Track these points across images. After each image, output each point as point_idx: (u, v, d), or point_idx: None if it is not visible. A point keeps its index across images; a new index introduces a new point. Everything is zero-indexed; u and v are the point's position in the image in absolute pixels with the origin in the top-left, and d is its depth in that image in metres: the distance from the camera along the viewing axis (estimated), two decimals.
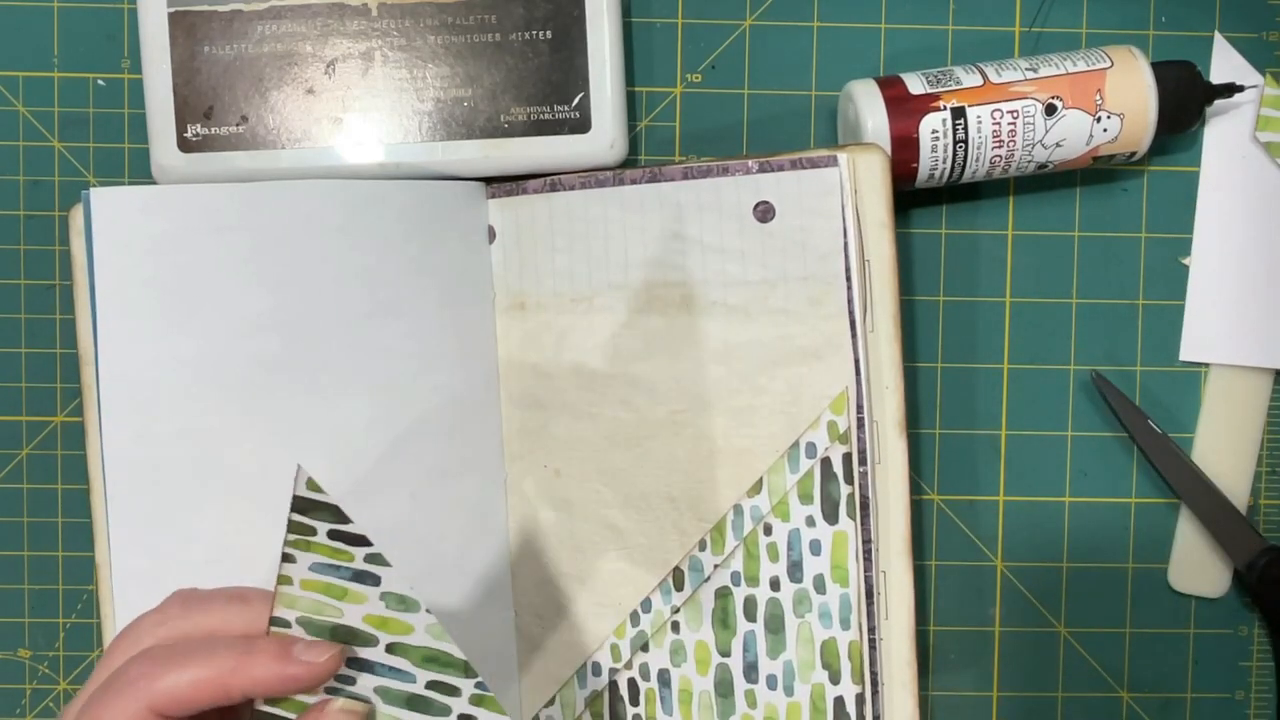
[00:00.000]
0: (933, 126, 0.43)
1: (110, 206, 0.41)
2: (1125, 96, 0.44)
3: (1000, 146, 0.44)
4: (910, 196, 0.47)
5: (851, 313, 0.42)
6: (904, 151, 0.43)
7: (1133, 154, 0.45)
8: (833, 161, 0.41)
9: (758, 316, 0.43)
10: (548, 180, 0.45)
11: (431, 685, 0.33)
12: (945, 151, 0.44)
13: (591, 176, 0.44)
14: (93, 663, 0.48)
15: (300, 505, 0.31)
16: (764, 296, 0.43)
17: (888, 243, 0.42)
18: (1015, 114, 0.43)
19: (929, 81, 0.44)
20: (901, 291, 0.44)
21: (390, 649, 0.32)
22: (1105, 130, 0.44)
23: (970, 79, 0.44)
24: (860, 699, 0.42)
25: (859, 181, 0.42)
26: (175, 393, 0.42)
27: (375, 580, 0.32)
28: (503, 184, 0.46)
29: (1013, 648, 0.49)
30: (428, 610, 0.32)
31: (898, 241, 0.47)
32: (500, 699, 0.46)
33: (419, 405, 0.44)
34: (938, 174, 0.44)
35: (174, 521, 0.42)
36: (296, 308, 0.42)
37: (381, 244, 0.43)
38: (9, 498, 0.47)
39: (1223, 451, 0.48)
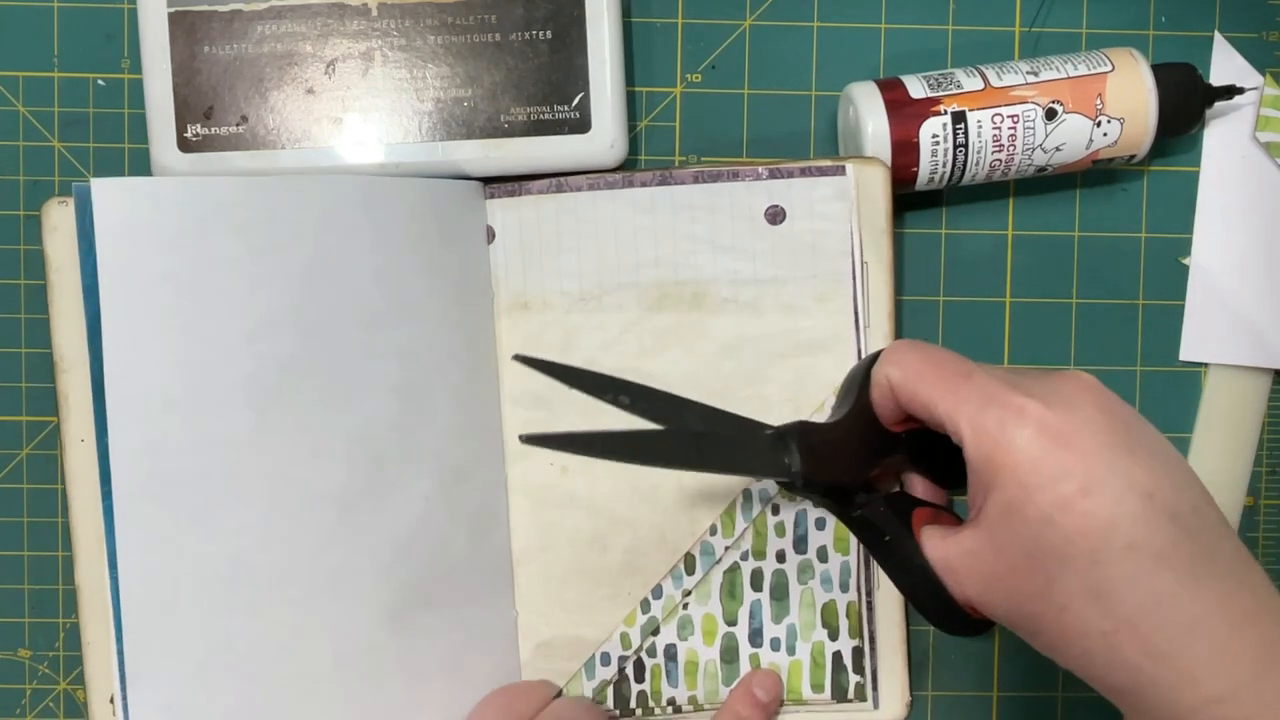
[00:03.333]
0: (933, 131, 0.43)
1: (115, 199, 0.39)
2: (1126, 100, 0.44)
3: (1000, 150, 0.44)
4: (910, 196, 0.47)
5: (856, 308, 0.44)
6: (904, 155, 0.44)
7: (1132, 156, 0.45)
8: (841, 170, 0.44)
9: (767, 312, 0.45)
10: (553, 181, 0.45)
11: None
12: (945, 155, 0.44)
13: (600, 178, 0.45)
14: None
15: None
16: (774, 293, 0.45)
17: (886, 248, 0.44)
18: (1016, 118, 0.43)
19: (929, 85, 0.44)
20: (897, 291, 0.45)
21: None
22: (1105, 135, 0.44)
23: (971, 82, 0.44)
24: (858, 651, 0.45)
25: (861, 191, 0.44)
26: (188, 398, 0.40)
27: None
28: (502, 185, 0.46)
29: (1013, 648, 0.49)
30: None
31: (899, 242, 0.47)
32: None
33: (432, 406, 0.44)
34: (938, 177, 0.44)
35: (187, 538, 0.40)
36: (313, 306, 0.41)
37: (397, 241, 0.43)
38: (9, 498, 0.47)
39: (1222, 451, 0.48)
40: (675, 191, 0.45)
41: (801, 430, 0.37)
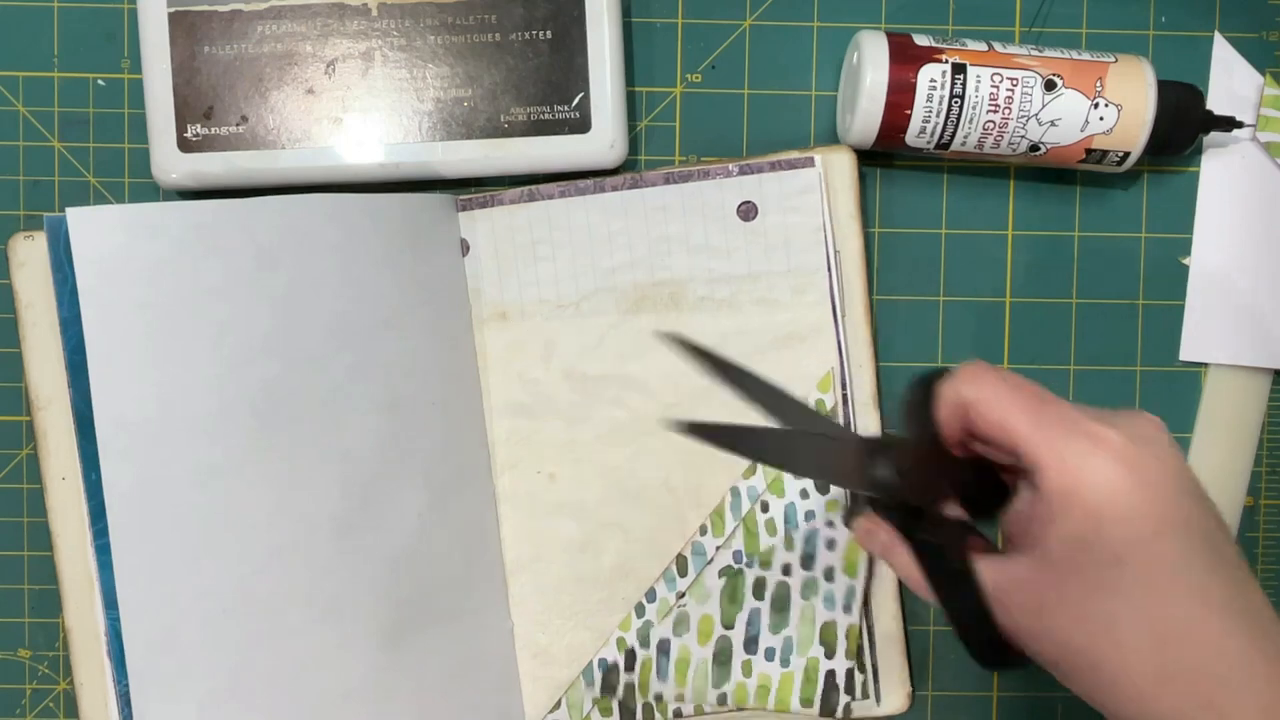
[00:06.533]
0: (931, 75, 0.43)
1: (93, 229, 0.38)
2: (1125, 90, 0.44)
3: (995, 111, 0.43)
4: (911, 188, 0.47)
5: (834, 299, 0.45)
6: (900, 94, 0.43)
7: (1125, 156, 0.45)
8: (809, 163, 0.44)
9: (744, 307, 0.45)
10: (525, 190, 0.45)
11: None
12: (940, 104, 0.43)
13: (571, 185, 0.45)
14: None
15: None
16: (749, 289, 0.45)
17: (856, 234, 0.45)
18: (1015, 81, 0.43)
19: (936, 39, 0.44)
20: (869, 277, 0.46)
21: None
22: (1102, 119, 0.44)
23: (976, 45, 0.44)
24: (851, 673, 0.45)
25: (829, 178, 0.45)
26: (178, 428, 0.39)
27: None
28: (475, 196, 0.46)
29: None
30: None
31: (898, 240, 0.47)
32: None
33: (418, 421, 0.44)
34: (929, 129, 0.44)
35: (187, 570, 0.39)
36: (295, 328, 0.41)
37: (372, 258, 0.43)
38: (9, 498, 0.47)
39: (1222, 451, 0.48)
40: (647, 194, 0.45)
41: (894, 445, 0.35)
